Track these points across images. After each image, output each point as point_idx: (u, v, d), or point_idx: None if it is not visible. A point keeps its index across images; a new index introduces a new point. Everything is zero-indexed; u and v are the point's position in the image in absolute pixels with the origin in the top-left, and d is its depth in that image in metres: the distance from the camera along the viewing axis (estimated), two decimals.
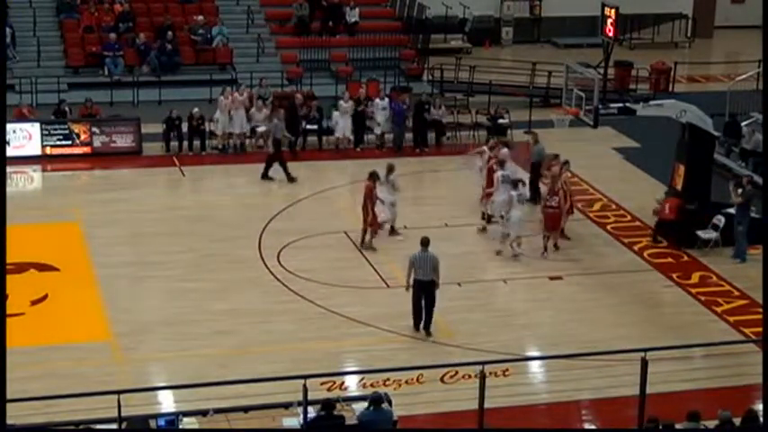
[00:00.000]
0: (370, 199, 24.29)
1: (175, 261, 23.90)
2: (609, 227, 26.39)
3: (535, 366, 20.18)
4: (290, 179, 28.18)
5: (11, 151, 28.49)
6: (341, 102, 31.31)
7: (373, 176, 24.52)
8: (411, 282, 20.90)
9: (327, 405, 15.47)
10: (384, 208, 24.78)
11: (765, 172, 27.06)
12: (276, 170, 28.27)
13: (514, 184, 24.66)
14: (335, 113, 31.07)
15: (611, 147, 31.80)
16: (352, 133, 31.24)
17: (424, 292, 20.86)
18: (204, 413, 15.88)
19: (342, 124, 31.06)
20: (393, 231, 25.06)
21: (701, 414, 15.82)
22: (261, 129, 30.83)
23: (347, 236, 25.13)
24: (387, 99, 31.73)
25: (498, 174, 25.32)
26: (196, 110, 30.54)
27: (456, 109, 33.22)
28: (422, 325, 20.98)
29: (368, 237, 24.50)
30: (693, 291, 23.27)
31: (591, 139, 31.01)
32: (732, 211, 24.77)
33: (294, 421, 15.76)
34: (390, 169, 25.26)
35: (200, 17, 35.87)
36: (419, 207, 25.96)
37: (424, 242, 21.07)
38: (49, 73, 33.40)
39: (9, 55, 32.92)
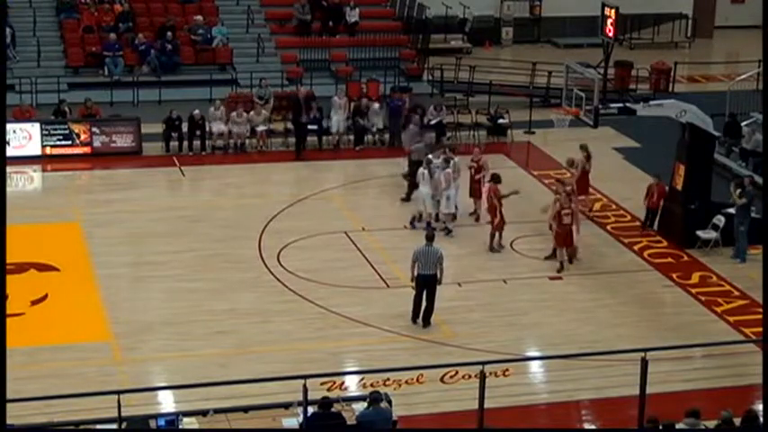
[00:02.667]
0: (497, 201, 24.39)
1: (175, 261, 23.90)
2: (609, 227, 26.40)
3: (535, 366, 20.18)
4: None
5: (11, 151, 28.49)
6: (335, 98, 31.41)
7: (495, 179, 24.82)
8: (414, 275, 21.08)
9: (324, 404, 15.48)
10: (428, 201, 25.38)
11: (765, 172, 27.07)
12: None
13: (447, 161, 25.27)
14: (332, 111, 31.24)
15: (612, 147, 31.81)
16: (347, 130, 31.31)
17: (426, 286, 20.99)
18: (204, 413, 15.89)
19: (335, 119, 31.15)
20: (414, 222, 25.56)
21: (699, 411, 15.83)
22: (261, 129, 30.87)
23: (347, 236, 25.14)
24: (381, 103, 31.90)
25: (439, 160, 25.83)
26: (197, 112, 30.53)
27: (456, 109, 33.22)
28: (421, 317, 21.15)
29: (496, 239, 24.62)
30: (693, 291, 23.27)
31: (591, 139, 30.94)
32: (732, 211, 24.78)
33: (294, 421, 15.77)
34: (429, 162, 25.66)
35: (200, 17, 35.88)
36: (418, 207, 25.94)
37: (429, 237, 21.36)
38: (49, 73, 33.39)
39: (9, 55, 32.93)
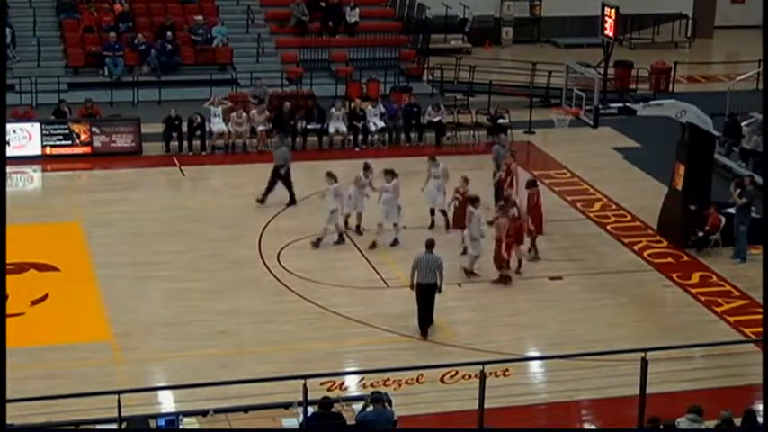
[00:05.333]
0: (537, 207, 24.21)
1: (175, 261, 23.90)
2: (609, 227, 26.39)
3: (535, 366, 20.18)
4: (292, 200, 27.10)
5: (11, 151, 28.49)
6: (332, 110, 31.47)
7: (533, 184, 24.72)
8: (414, 282, 20.81)
9: (324, 404, 15.48)
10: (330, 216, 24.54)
11: (765, 172, 27.06)
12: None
13: (471, 201, 23.67)
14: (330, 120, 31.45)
15: (611, 147, 31.81)
16: (348, 131, 31.44)
17: (425, 295, 20.72)
18: (204, 413, 15.88)
19: (333, 125, 31.27)
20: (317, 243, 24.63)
21: (702, 409, 15.83)
22: (261, 129, 30.89)
23: (347, 236, 25.12)
24: (380, 105, 31.92)
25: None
26: (197, 116, 30.53)
27: (456, 109, 33.22)
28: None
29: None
30: (693, 291, 23.27)
31: (591, 139, 31.03)
32: (732, 211, 24.78)
33: (294, 421, 15.77)
34: (367, 167, 25.28)
35: (200, 17, 35.89)
36: (418, 207, 25.92)
37: (429, 244, 20.94)
38: (49, 73, 33.38)
39: (9, 55, 32.93)
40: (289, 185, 26.96)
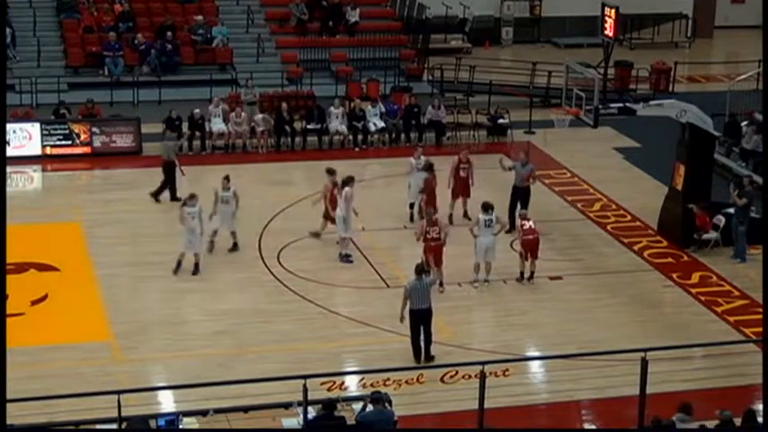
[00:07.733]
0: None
1: (175, 261, 23.85)
2: (609, 227, 26.39)
3: (535, 366, 20.18)
4: (156, 196, 27.07)
5: (11, 151, 28.48)
6: (331, 108, 31.45)
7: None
8: (405, 313, 19.84)
9: (328, 405, 15.47)
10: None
11: (765, 172, 27.06)
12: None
13: (484, 208, 23.22)
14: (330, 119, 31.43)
15: (612, 147, 31.81)
16: (348, 130, 31.43)
17: (421, 321, 19.88)
18: (204, 413, 15.89)
19: (334, 124, 31.28)
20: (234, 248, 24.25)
21: (691, 407, 15.85)
22: (261, 129, 30.92)
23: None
24: (380, 105, 31.94)
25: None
26: (197, 111, 30.56)
27: (456, 109, 33.22)
28: (422, 352, 20.04)
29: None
30: (693, 291, 23.27)
31: (591, 139, 31.02)
32: (732, 210, 24.79)
33: (294, 421, 15.77)
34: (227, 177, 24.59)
35: (200, 17, 35.91)
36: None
37: (419, 270, 20.02)
38: (49, 73, 33.40)
39: (9, 55, 32.94)
40: (165, 181, 26.95)
